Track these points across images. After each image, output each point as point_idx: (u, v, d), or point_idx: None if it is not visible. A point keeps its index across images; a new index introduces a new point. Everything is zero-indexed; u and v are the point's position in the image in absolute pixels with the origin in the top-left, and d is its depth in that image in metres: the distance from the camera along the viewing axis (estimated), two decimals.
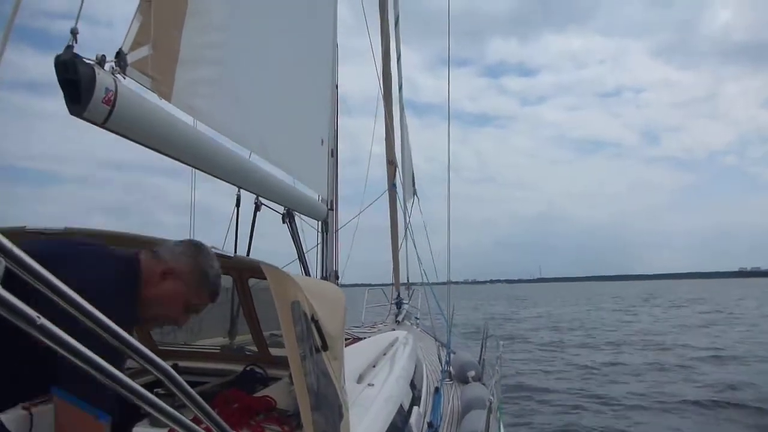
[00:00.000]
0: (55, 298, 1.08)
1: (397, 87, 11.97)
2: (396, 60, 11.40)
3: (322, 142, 4.48)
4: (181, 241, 2.29)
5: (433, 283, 11.48)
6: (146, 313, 2.11)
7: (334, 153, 5.37)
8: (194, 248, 2.25)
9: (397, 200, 11.37)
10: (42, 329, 1.03)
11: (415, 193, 12.35)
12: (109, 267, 1.99)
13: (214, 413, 1.50)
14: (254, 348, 4.28)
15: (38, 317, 1.01)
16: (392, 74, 11.10)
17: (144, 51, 1.87)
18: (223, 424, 1.53)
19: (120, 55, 1.77)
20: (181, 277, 2.13)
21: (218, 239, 4.94)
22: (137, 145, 2.04)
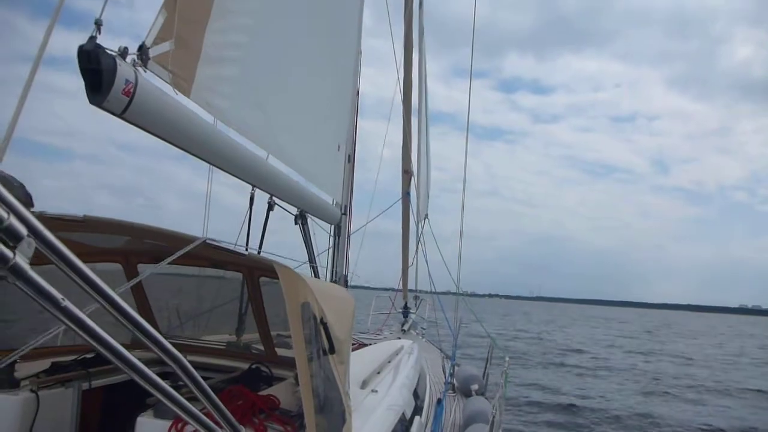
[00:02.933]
0: (80, 281, 1.11)
1: (423, 98, 11.93)
2: (419, 69, 11.35)
3: (339, 147, 4.48)
4: None
5: (440, 293, 11.44)
6: None
7: (351, 159, 5.37)
8: None
9: (410, 210, 11.36)
10: (65, 311, 1.06)
11: (426, 216, 12.23)
12: None
13: (222, 405, 1.51)
14: (260, 346, 4.29)
15: (63, 299, 1.04)
16: (416, 85, 11.08)
17: (166, 46, 1.89)
18: (231, 416, 1.54)
19: (142, 49, 1.79)
20: None
21: (229, 232, 4.95)
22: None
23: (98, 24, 1.61)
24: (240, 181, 3.07)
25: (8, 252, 0.95)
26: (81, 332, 1.12)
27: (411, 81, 10.99)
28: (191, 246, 2.52)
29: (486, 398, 7.17)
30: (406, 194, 11.37)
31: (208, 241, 2.92)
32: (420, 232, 11.25)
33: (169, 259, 2.48)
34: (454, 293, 10.81)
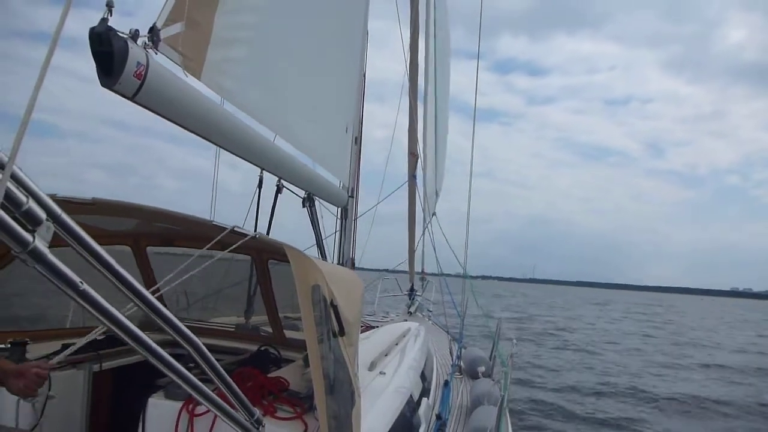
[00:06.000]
0: (97, 265, 1.11)
1: (447, 80, 11.79)
2: (426, 48, 11.19)
3: (347, 129, 4.47)
4: None
5: (446, 275, 11.40)
6: None
7: (357, 141, 5.35)
8: None
9: (417, 192, 11.25)
10: (84, 294, 1.06)
11: (434, 215, 12.03)
12: None
13: (236, 386, 1.52)
14: (269, 329, 4.31)
15: (81, 282, 1.04)
16: (425, 67, 10.92)
17: (177, 28, 1.88)
18: (244, 397, 1.55)
19: (153, 31, 1.78)
20: None
21: (228, 212, 4.97)
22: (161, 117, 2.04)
23: (109, 6, 1.60)
24: (236, 158, 3.07)
25: (27, 236, 0.95)
26: (99, 315, 1.13)
27: (417, 60, 10.76)
28: (223, 235, 2.59)
29: (493, 380, 7.20)
30: (412, 177, 11.24)
31: (215, 224, 2.94)
32: (426, 218, 11.11)
33: (207, 246, 2.56)
34: (454, 275, 10.71)
